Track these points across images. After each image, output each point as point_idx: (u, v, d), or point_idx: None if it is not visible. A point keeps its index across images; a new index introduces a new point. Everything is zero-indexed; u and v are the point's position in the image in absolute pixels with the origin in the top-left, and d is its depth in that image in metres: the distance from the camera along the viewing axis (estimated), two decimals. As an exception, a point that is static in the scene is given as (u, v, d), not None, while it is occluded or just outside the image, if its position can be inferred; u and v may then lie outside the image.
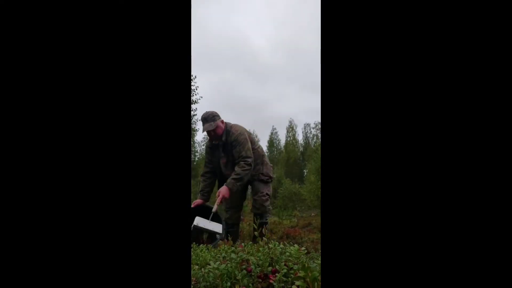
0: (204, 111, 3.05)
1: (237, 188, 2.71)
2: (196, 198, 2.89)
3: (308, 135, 35.15)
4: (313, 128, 34.79)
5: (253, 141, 3.00)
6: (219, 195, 2.69)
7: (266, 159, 3.14)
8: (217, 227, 2.51)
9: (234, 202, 2.99)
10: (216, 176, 3.04)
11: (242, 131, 2.90)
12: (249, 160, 2.76)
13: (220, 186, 3.07)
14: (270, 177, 3.01)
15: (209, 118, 2.86)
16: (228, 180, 2.69)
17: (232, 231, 2.86)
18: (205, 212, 2.58)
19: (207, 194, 2.98)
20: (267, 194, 2.88)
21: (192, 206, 2.71)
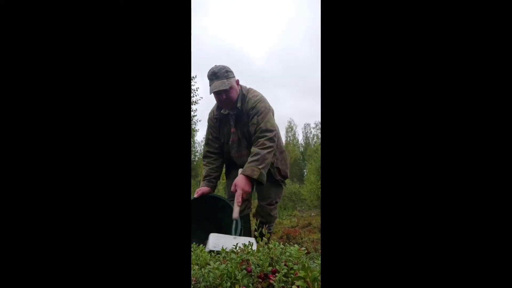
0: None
1: (261, 176, 1.80)
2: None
3: (308, 135, 35.19)
4: (313, 128, 34.84)
5: None
6: (235, 190, 1.76)
7: (284, 148, 2.20)
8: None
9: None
10: (224, 157, 2.18)
11: (262, 97, 2.04)
12: (271, 134, 1.88)
13: (227, 173, 2.27)
14: (284, 178, 2.15)
15: (221, 73, 1.92)
16: (246, 166, 1.81)
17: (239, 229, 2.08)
18: (212, 206, 1.92)
19: (215, 180, 2.11)
20: (276, 202, 2.07)
21: (195, 195, 1.97)
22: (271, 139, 1.88)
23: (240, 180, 1.78)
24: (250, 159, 1.84)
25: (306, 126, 35.98)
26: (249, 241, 1.48)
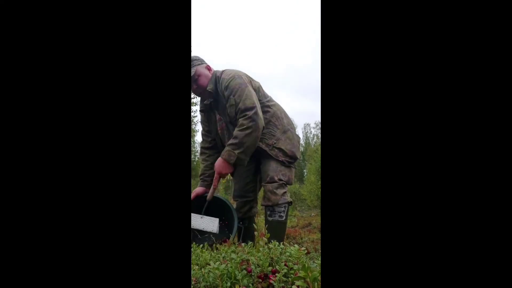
0: None
1: (239, 161, 1.73)
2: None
3: (308, 135, 35.17)
4: (313, 128, 34.85)
5: (263, 95, 1.96)
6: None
7: (290, 127, 1.98)
8: (209, 225, 1.74)
9: (240, 188, 2.06)
10: (219, 152, 2.03)
11: (235, 74, 1.85)
12: (250, 112, 1.71)
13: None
14: (292, 158, 1.91)
15: None
16: (224, 149, 1.76)
17: (239, 227, 1.94)
18: (215, 204, 1.85)
19: (210, 178, 2.00)
20: (280, 180, 1.85)
21: (191, 197, 1.92)
22: (250, 118, 1.71)
23: (217, 163, 1.78)
24: (228, 142, 1.77)
25: (306, 126, 35.98)
26: (213, 219, 1.64)
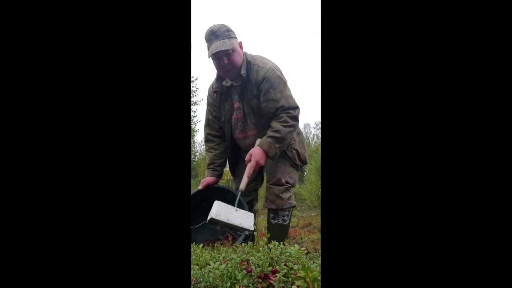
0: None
1: (276, 156, 1.64)
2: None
3: (308, 135, 35.15)
4: (313, 128, 34.83)
5: None
6: (249, 160, 1.60)
7: (299, 129, 1.91)
8: (246, 220, 1.50)
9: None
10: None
11: (272, 66, 1.71)
12: (294, 112, 1.66)
13: (232, 169, 1.99)
14: (303, 162, 1.88)
15: (221, 32, 1.60)
16: (264, 139, 1.63)
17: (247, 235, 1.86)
18: (221, 199, 1.59)
19: (220, 168, 1.88)
20: (287, 182, 1.78)
21: (200, 187, 1.79)
22: (294, 118, 1.67)
23: (256, 152, 1.60)
24: (270, 133, 1.63)
25: (306, 126, 35.95)
26: (249, 214, 1.52)
